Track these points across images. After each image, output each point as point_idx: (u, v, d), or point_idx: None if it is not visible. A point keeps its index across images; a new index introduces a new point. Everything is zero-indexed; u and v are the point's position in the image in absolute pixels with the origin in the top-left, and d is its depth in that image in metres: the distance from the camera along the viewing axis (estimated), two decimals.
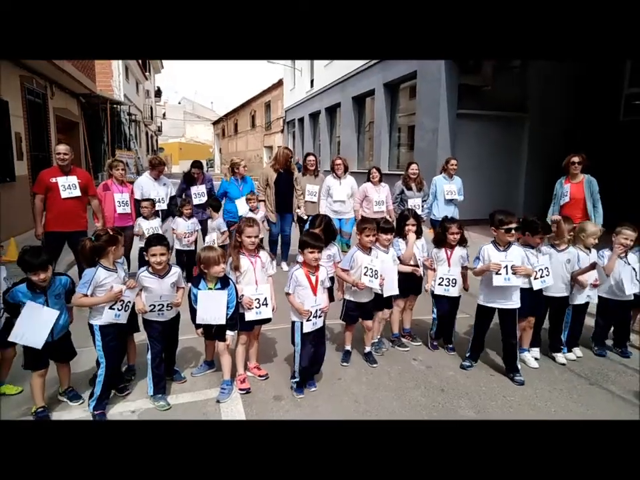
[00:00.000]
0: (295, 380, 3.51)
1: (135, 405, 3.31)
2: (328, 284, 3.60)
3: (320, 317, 3.46)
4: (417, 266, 4.19)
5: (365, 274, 3.73)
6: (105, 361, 3.13)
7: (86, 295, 3.05)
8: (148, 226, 5.54)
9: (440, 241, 4.15)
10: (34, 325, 2.88)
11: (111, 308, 3.11)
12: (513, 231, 3.64)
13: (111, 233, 3.20)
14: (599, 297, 4.21)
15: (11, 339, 2.87)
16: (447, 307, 4.18)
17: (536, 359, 4.06)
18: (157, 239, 3.32)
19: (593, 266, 3.98)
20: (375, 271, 3.74)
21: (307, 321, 3.39)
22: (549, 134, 10.80)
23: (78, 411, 3.21)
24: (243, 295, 3.44)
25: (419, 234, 4.25)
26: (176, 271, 3.42)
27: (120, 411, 3.23)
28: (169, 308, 3.33)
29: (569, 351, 4.20)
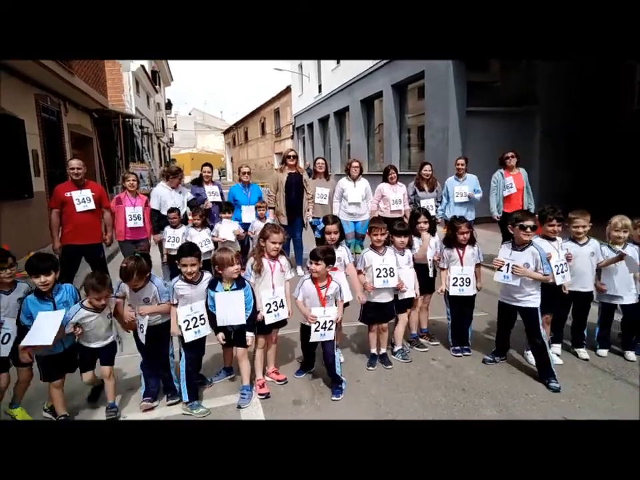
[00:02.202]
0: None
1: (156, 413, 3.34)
2: (342, 297, 3.58)
3: (330, 329, 3.44)
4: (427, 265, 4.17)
5: (377, 275, 3.72)
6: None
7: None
8: (172, 234, 5.61)
9: (450, 241, 4.11)
10: (43, 327, 2.94)
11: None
12: (529, 229, 3.56)
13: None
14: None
15: (23, 343, 2.91)
16: (461, 307, 4.13)
17: (557, 355, 3.98)
18: (188, 250, 3.37)
19: (621, 257, 3.84)
20: (390, 269, 3.72)
21: (315, 331, 3.43)
22: (560, 126, 10.69)
23: (102, 412, 3.25)
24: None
25: (431, 232, 4.23)
26: (208, 277, 3.46)
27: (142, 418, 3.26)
28: (203, 322, 3.33)
29: (602, 347, 4.08)
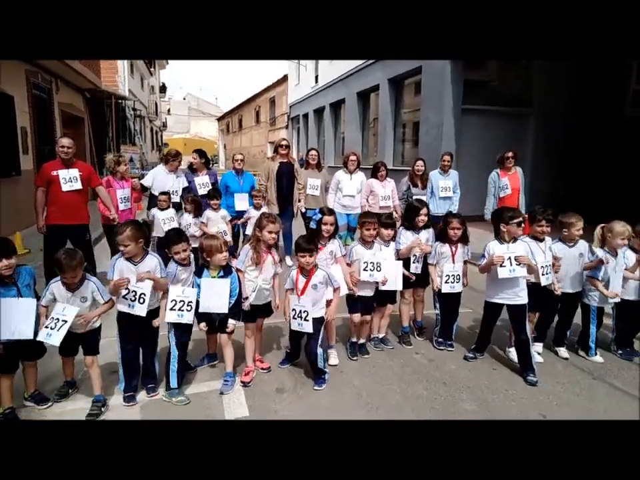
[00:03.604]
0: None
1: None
2: (334, 286, 3.53)
3: (307, 320, 3.41)
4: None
5: (364, 269, 3.74)
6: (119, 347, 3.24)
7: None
8: (163, 216, 5.55)
9: (442, 236, 4.13)
10: (17, 318, 2.82)
11: (124, 297, 3.13)
12: (517, 226, 3.67)
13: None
14: (621, 299, 3.96)
15: (2, 338, 2.79)
16: (451, 303, 4.17)
17: (538, 353, 4.04)
18: (177, 236, 3.34)
19: (601, 260, 3.88)
20: (378, 264, 3.74)
21: (293, 318, 3.47)
22: (554, 129, 10.77)
23: (81, 402, 3.22)
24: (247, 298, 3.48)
25: (426, 227, 4.24)
26: (192, 257, 3.46)
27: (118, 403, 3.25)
28: (189, 309, 3.27)
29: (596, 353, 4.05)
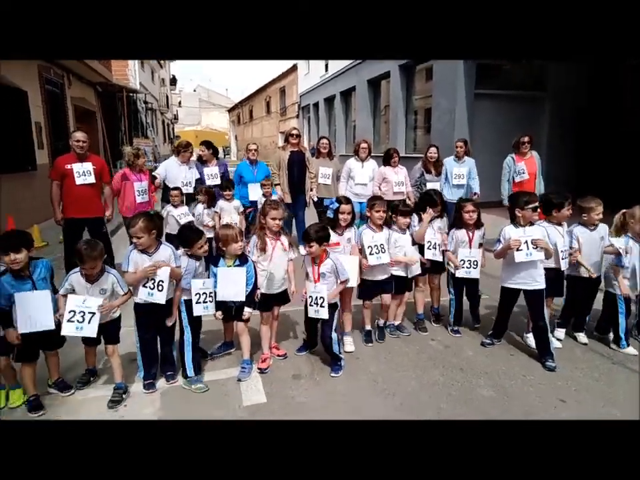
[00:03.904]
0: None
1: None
2: (340, 277, 3.50)
3: (322, 306, 3.41)
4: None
5: (370, 253, 3.74)
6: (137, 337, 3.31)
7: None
8: (178, 213, 5.57)
9: (457, 220, 4.11)
10: (34, 310, 2.86)
11: (144, 286, 3.16)
12: (532, 211, 3.63)
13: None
14: None
15: (21, 330, 2.83)
16: (470, 289, 4.15)
17: (559, 340, 4.00)
18: (196, 233, 3.39)
19: (619, 252, 3.76)
20: (381, 245, 3.75)
21: (309, 305, 3.49)
22: (569, 113, 10.55)
23: (103, 390, 3.28)
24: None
25: (441, 215, 4.20)
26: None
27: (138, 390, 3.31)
28: (211, 300, 3.33)
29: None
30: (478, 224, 4.06)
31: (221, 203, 5.85)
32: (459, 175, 6.59)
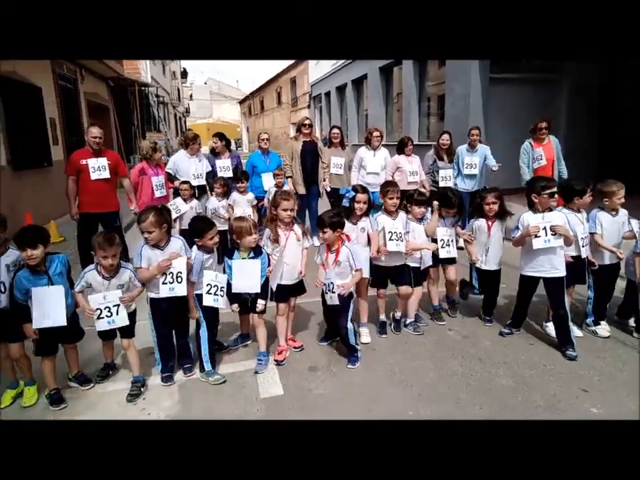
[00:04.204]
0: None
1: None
2: (355, 266, 3.46)
3: (334, 292, 3.37)
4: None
5: (390, 239, 3.68)
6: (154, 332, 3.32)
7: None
8: (187, 207, 5.57)
9: (477, 212, 4.02)
10: (48, 306, 2.89)
11: (163, 283, 3.16)
12: (548, 196, 3.52)
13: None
14: None
15: (35, 326, 2.88)
16: (489, 280, 4.06)
17: (608, 331, 3.87)
18: (207, 223, 3.36)
19: (635, 235, 3.72)
20: (399, 233, 3.70)
21: (325, 293, 3.46)
22: (587, 95, 10.26)
23: (122, 383, 3.31)
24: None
25: (459, 212, 4.11)
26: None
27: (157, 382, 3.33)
28: (222, 294, 3.30)
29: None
30: (502, 214, 3.93)
31: (234, 195, 5.84)
32: (471, 165, 6.48)
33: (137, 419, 2.89)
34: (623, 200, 3.77)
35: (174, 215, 5.49)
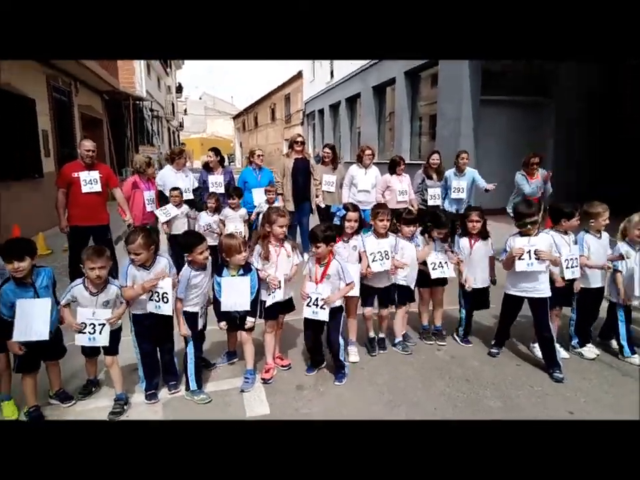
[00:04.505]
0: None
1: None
2: (346, 280, 3.47)
3: (322, 308, 3.38)
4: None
5: (373, 260, 3.70)
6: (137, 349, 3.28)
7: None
8: (178, 212, 5.58)
9: (462, 230, 4.07)
10: (32, 318, 2.83)
11: (150, 299, 3.14)
12: (530, 226, 3.57)
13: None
14: None
15: (15, 338, 2.80)
16: (479, 299, 4.08)
17: (597, 354, 3.89)
18: (197, 238, 3.32)
19: (621, 256, 3.77)
20: (385, 252, 3.72)
21: (307, 306, 3.44)
22: (575, 118, 10.50)
23: (104, 400, 3.25)
24: (269, 275, 3.44)
25: (445, 240, 4.09)
26: (210, 260, 3.41)
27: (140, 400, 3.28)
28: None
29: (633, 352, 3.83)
30: (483, 234, 3.99)
31: (226, 211, 5.84)
32: (458, 189, 6.52)
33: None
34: (607, 221, 3.83)
35: (164, 219, 5.52)
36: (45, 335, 2.86)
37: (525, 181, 6.33)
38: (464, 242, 4.04)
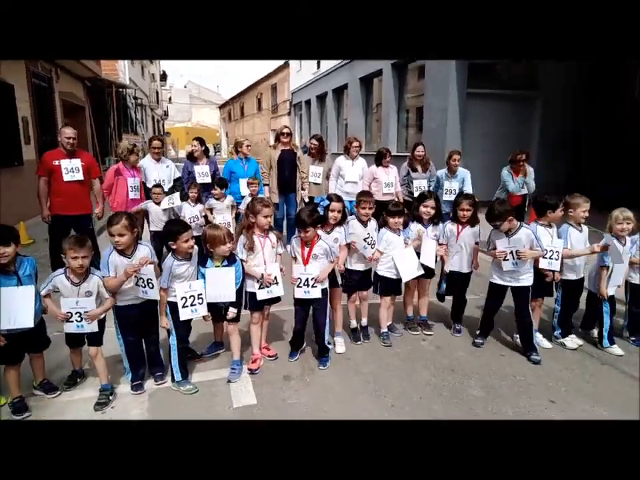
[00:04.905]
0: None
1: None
2: (329, 256, 3.56)
3: (314, 286, 3.48)
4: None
5: (364, 238, 3.76)
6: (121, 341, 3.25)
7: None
8: (157, 209, 5.51)
9: (453, 216, 4.15)
10: (16, 307, 2.80)
11: (137, 284, 3.10)
12: (500, 224, 3.65)
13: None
14: (632, 284, 4.01)
15: (2, 327, 2.77)
16: (456, 283, 4.16)
17: (580, 345, 3.97)
18: (181, 225, 3.28)
19: (605, 247, 3.82)
20: (371, 237, 3.80)
21: (297, 287, 3.51)
22: (560, 112, 10.61)
23: (89, 391, 3.22)
24: (262, 274, 3.44)
25: (435, 221, 4.14)
26: (196, 250, 3.38)
27: (126, 391, 3.25)
28: (200, 302, 3.23)
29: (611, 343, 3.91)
30: (472, 221, 4.04)
31: (211, 201, 5.78)
32: (450, 190, 6.42)
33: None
34: (587, 214, 3.89)
35: (165, 206, 5.43)
36: (29, 323, 2.83)
37: (509, 178, 6.38)
38: (452, 228, 4.08)
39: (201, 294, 3.24)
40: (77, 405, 3.08)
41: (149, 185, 5.85)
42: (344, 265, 3.85)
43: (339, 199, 3.80)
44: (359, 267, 3.93)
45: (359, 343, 4.02)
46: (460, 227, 4.05)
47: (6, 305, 2.78)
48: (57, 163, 5.05)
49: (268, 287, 3.48)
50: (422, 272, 3.98)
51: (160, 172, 6.06)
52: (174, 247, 3.23)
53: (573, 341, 3.99)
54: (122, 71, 21.41)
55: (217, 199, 5.79)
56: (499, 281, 3.82)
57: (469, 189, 6.41)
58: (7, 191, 7.87)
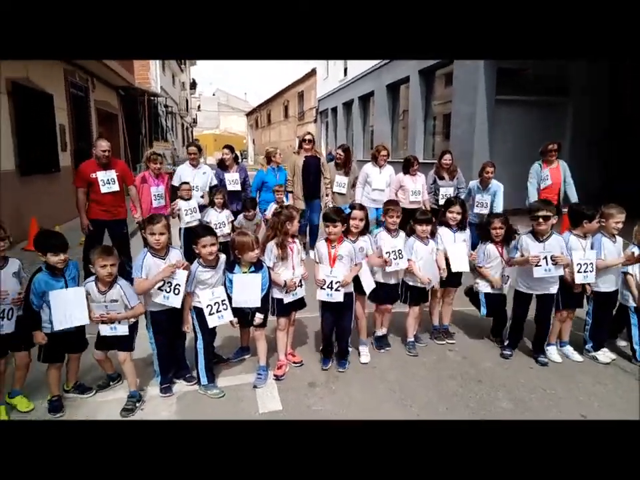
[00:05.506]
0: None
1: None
2: (352, 260, 3.56)
3: (338, 290, 3.46)
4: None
5: (388, 260, 3.73)
6: (154, 345, 3.31)
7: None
8: (187, 206, 5.62)
9: (484, 237, 4.03)
10: (69, 306, 2.92)
11: (159, 289, 3.15)
12: (541, 220, 3.58)
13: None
14: None
15: (56, 327, 2.87)
16: (497, 305, 4.05)
17: (613, 359, 3.84)
18: (204, 230, 3.34)
19: (633, 255, 3.72)
20: (399, 251, 3.75)
21: (321, 289, 3.50)
22: (592, 118, 10.33)
23: (122, 392, 3.29)
24: (285, 282, 3.48)
25: (462, 227, 4.12)
26: (223, 259, 3.42)
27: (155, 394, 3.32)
28: (225, 307, 3.28)
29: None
30: (507, 239, 3.93)
31: (243, 221, 5.73)
32: (482, 203, 6.31)
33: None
34: (620, 225, 3.77)
35: (186, 219, 5.58)
36: (85, 320, 2.97)
37: (534, 178, 6.34)
38: (492, 249, 3.94)
39: (224, 300, 3.28)
40: (109, 405, 3.17)
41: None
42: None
43: (361, 207, 3.79)
44: (391, 280, 3.91)
45: (382, 350, 4.01)
46: (499, 248, 3.93)
47: (58, 306, 2.90)
48: (94, 175, 5.20)
49: (293, 290, 3.52)
50: (468, 269, 4.01)
51: (196, 178, 6.07)
52: (197, 251, 3.28)
53: (605, 354, 3.87)
54: (154, 79, 22.02)
55: (250, 220, 5.74)
56: (525, 290, 3.76)
57: (499, 203, 6.28)
58: (44, 196, 8.19)
